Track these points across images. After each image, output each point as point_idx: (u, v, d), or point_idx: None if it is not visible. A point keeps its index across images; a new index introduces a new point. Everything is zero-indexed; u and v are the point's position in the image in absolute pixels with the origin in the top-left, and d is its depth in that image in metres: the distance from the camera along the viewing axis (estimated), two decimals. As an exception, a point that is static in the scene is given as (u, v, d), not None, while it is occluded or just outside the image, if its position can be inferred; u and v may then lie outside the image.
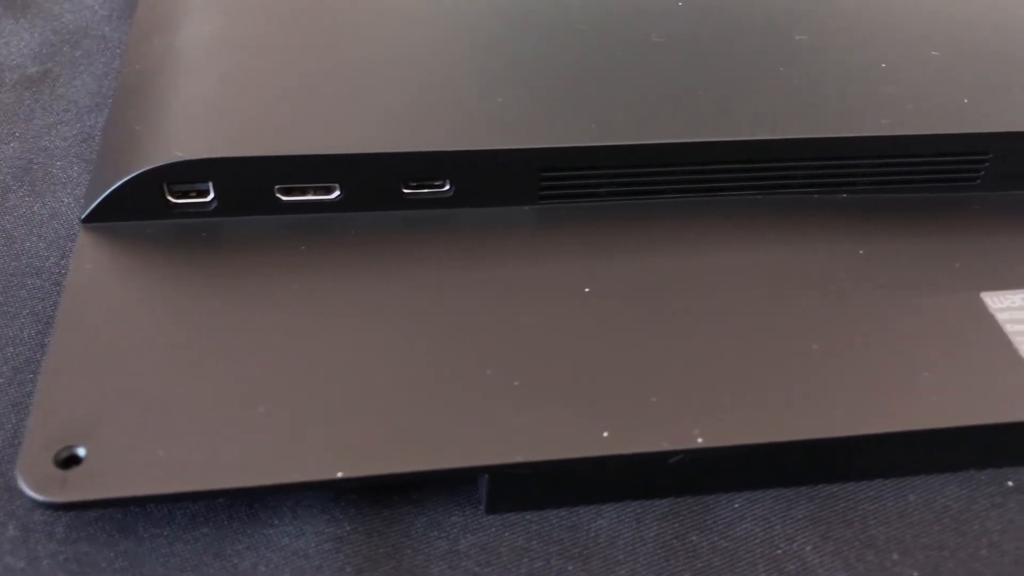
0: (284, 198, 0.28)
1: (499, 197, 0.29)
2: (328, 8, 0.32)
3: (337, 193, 0.28)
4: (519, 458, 0.22)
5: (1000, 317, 0.27)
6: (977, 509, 0.25)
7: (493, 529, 0.23)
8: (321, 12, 0.32)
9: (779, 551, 0.23)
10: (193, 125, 0.28)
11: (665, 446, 0.23)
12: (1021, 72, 0.32)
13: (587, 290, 0.27)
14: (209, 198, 0.27)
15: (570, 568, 0.23)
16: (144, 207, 0.27)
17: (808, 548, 0.23)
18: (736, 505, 0.24)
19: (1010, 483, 0.25)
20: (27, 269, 0.29)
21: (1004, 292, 0.28)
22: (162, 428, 0.22)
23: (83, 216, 0.27)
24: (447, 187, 0.28)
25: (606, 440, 0.23)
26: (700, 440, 0.23)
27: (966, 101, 0.31)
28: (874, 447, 0.24)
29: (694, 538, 0.23)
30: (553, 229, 0.28)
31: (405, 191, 0.28)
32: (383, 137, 0.27)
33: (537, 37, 0.32)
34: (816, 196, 0.30)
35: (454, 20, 0.32)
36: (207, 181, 0.27)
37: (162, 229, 0.27)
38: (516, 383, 0.24)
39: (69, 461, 0.22)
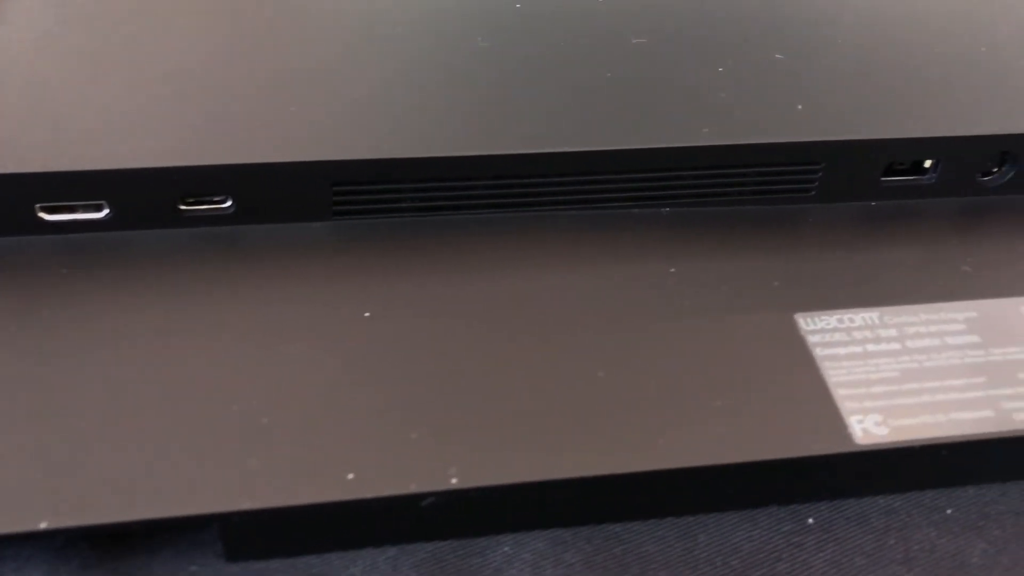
0: (48, 217, 0.26)
1: (288, 213, 0.27)
2: (106, 20, 0.30)
3: (106, 211, 0.26)
4: (245, 505, 0.20)
5: (811, 340, 0.25)
6: (770, 549, 0.23)
7: (232, 579, 0.22)
8: (100, 25, 0.30)
9: (543, 600, 0.22)
10: (-51, 139, 0.26)
11: (414, 488, 0.21)
12: (863, 77, 0.30)
13: (367, 314, 0.25)
14: (-33, 218, 0.25)
15: (311, 622, 0.21)
16: None
17: (575, 597, 0.22)
18: (506, 549, 0.22)
19: (811, 520, 0.24)
20: None
21: (820, 313, 0.26)
22: None
23: None
24: (228, 203, 0.26)
25: (349, 483, 0.21)
26: (455, 481, 0.21)
27: (800, 108, 0.29)
28: (653, 485, 0.23)
29: (452, 587, 0.22)
30: (344, 247, 0.27)
31: (182, 208, 0.26)
32: (151, 151, 0.25)
33: (337, 40, 0.30)
34: (636, 211, 0.28)
35: (241, 28, 0.30)
36: (-38, 200, 0.25)
37: (-86, 252, 0.25)
38: (264, 420, 0.22)
39: None
